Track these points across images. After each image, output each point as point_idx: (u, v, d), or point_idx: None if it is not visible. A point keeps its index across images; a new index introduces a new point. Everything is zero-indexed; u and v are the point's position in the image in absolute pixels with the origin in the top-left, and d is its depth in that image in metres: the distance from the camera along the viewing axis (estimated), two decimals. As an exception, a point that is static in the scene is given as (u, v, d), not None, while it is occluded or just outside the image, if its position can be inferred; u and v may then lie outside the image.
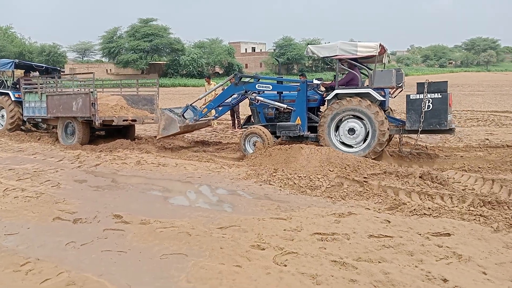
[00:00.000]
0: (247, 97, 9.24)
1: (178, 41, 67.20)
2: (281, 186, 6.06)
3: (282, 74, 11.03)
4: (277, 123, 8.76)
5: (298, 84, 8.77)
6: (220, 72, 69.32)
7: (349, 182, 6.03)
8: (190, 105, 9.65)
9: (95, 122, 9.41)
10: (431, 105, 7.50)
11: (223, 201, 5.59)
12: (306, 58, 74.15)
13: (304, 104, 8.58)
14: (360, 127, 7.93)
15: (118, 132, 10.61)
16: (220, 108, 9.55)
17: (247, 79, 9.41)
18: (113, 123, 9.56)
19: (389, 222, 4.50)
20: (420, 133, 7.73)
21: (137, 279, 3.36)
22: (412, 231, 4.25)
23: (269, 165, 7.14)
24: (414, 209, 4.88)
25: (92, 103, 9.32)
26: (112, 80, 21.93)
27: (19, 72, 13.51)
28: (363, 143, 7.92)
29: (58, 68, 14.38)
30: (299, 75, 12.53)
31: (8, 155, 8.78)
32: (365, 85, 8.35)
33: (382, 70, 8.11)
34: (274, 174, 6.45)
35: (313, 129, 8.57)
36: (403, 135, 8.29)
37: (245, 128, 8.97)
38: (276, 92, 9.06)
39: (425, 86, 7.53)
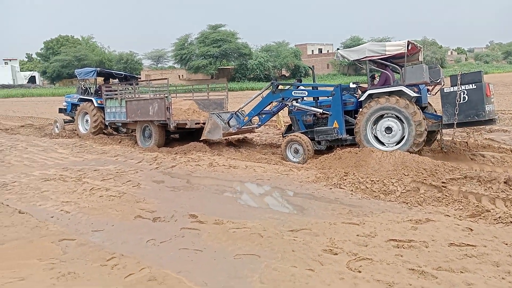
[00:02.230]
0: (286, 104, 9.37)
1: (246, 46, 68.43)
2: (352, 190, 5.94)
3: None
4: (315, 128, 8.79)
5: (332, 88, 8.73)
6: (286, 75, 69.45)
7: (426, 187, 5.75)
8: (235, 113, 10.01)
9: (170, 125, 9.88)
10: (466, 96, 7.35)
11: (293, 203, 5.60)
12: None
13: (339, 107, 8.52)
14: (397, 126, 7.80)
15: (191, 135, 11.03)
16: (263, 116, 9.79)
17: (285, 87, 9.41)
18: (186, 126, 9.97)
19: (471, 230, 4.23)
20: (457, 126, 7.54)
21: (212, 277, 3.48)
22: (497, 240, 3.96)
23: (338, 169, 7.03)
24: (499, 217, 4.55)
25: (167, 108, 9.80)
26: (184, 85, 22.89)
27: (100, 80, 14.59)
28: (399, 142, 7.78)
29: (136, 76, 15.29)
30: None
31: (93, 156, 9.50)
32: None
33: (412, 66, 7.99)
34: (344, 177, 6.34)
35: (351, 132, 8.47)
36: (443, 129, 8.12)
37: (286, 136, 9.06)
38: (312, 98, 9.17)
39: (458, 78, 7.39)
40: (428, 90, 8.70)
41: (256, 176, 7.08)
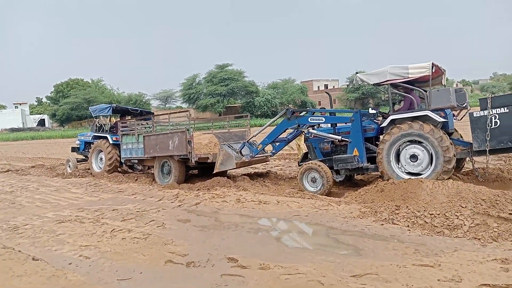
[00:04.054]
0: (302, 131, 8.94)
1: (252, 84, 69.06)
2: (408, 226, 5.23)
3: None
4: (334, 157, 8.30)
5: (352, 114, 8.28)
6: (294, 111, 69.50)
7: (495, 220, 5.03)
8: (247, 141, 9.60)
9: (191, 159, 9.31)
10: (498, 121, 6.85)
11: (343, 243, 4.89)
12: (382, 92, 71.94)
13: (360, 134, 8.06)
14: (423, 153, 7.29)
15: (211, 169, 10.41)
16: (277, 144, 9.36)
17: (300, 113, 9.05)
18: (208, 160, 9.40)
19: None
20: (489, 153, 7.00)
21: None
22: None
23: (382, 202, 6.32)
24: None
25: (189, 141, 9.27)
26: (199, 121, 22.42)
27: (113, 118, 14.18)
28: (426, 170, 7.23)
29: (151, 112, 14.91)
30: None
31: (109, 196, 8.88)
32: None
33: (438, 90, 7.53)
34: (396, 211, 5.63)
35: (373, 159, 7.96)
36: (473, 157, 7.51)
37: (302, 165, 8.55)
38: (330, 124, 8.77)
39: (489, 101, 6.89)
40: (453, 115, 8.21)
41: (291, 212, 6.39)
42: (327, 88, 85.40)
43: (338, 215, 6.03)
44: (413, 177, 7.13)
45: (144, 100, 75.75)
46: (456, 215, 5.17)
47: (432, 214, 5.30)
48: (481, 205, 5.68)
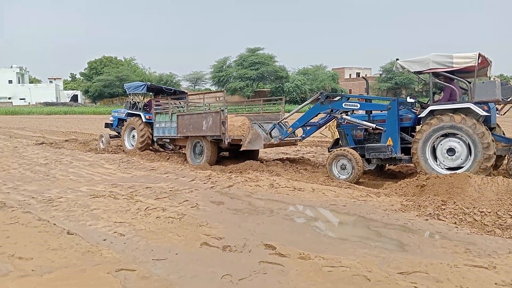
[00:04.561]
0: (335, 116, 8.67)
1: (283, 69, 68.44)
2: (455, 223, 4.92)
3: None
4: (366, 145, 8.03)
5: (389, 102, 7.90)
6: (324, 99, 68.54)
7: (553, 223, 4.66)
8: (278, 123, 9.40)
9: (224, 141, 9.20)
10: None
11: (386, 236, 4.64)
12: (416, 83, 70.11)
13: (395, 123, 7.75)
14: (462, 148, 6.99)
15: (242, 153, 10.28)
16: (308, 128, 9.11)
17: (334, 98, 8.70)
18: (241, 142, 9.26)
19: None
20: None
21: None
22: None
23: (426, 196, 6.00)
24: None
25: (223, 122, 9.14)
26: (230, 104, 22.37)
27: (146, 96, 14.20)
28: (463, 166, 6.93)
29: (185, 91, 14.84)
30: (408, 96, 11.43)
31: (142, 173, 8.87)
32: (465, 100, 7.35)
33: (483, 82, 7.17)
34: (442, 207, 5.32)
35: (407, 150, 7.65)
36: None
37: (332, 151, 8.32)
38: (364, 111, 8.50)
39: None
40: (496, 109, 7.77)
41: (328, 201, 6.17)
42: (359, 76, 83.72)
43: (378, 207, 5.77)
44: (446, 172, 6.86)
45: (174, 81, 76.42)
46: (509, 214, 4.83)
47: (483, 211, 4.98)
48: (535, 205, 5.30)
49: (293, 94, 65.57)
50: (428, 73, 7.40)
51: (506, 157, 7.30)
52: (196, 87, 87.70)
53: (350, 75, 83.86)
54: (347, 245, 4.33)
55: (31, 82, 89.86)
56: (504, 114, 7.92)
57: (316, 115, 8.99)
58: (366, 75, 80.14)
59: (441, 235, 4.57)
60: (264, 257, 4.01)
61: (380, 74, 73.18)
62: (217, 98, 11.57)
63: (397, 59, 7.75)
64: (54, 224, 5.09)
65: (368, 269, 3.62)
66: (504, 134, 7.84)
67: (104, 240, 4.62)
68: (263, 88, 71.38)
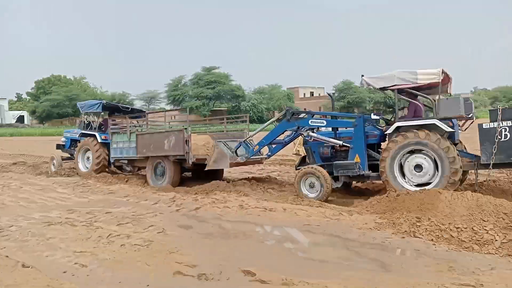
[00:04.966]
0: (301, 134, 8.65)
1: (239, 88, 68.71)
2: (432, 240, 4.89)
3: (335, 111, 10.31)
4: (334, 162, 8.03)
5: (355, 119, 8.00)
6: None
7: (525, 236, 4.73)
8: (244, 141, 9.26)
9: (188, 160, 8.86)
10: (508, 134, 6.65)
11: (366, 256, 4.51)
12: (367, 101, 72.87)
13: (362, 140, 7.82)
14: (428, 163, 7.06)
15: (206, 173, 9.95)
16: (274, 146, 9.03)
17: (300, 115, 8.72)
18: (206, 162, 8.96)
19: None
20: (493, 167, 6.88)
21: None
22: None
23: (400, 213, 5.96)
24: None
25: (186, 141, 8.83)
26: (192, 122, 21.96)
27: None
28: (431, 182, 7.04)
29: (143, 110, 14.33)
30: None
31: (99, 197, 8.32)
32: (429, 116, 7.58)
33: (447, 98, 7.42)
34: (417, 223, 5.28)
35: (374, 167, 7.71)
36: (478, 170, 7.31)
37: (299, 169, 8.27)
38: (331, 128, 8.54)
39: (499, 113, 6.70)
40: (458, 125, 8.00)
41: (301, 221, 5.99)
42: (312, 95, 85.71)
43: (352, 225, 5.66)
44: (414, 188, 6.95)
45: (127, 100, 74.38)
46: (485, 229, 4.86)
47: (459, 227, 4.98)
48: (503, 219, 5.36)
49: (250, 113, 65.87)
50: (393, 89, 7.51)
51: (475, 173, 7.46)
52: (151, 106, 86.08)
53: (304, 94, 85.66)
54: (329, 267, 4.15)
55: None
56: (465, 130, 8.15)
57: (283, 133, 8.90)
58: (316, 96, 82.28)
59: (420, 253, 4.50)
60: (244, 285, 3.75)
61: (333, 93, 75.28)
62: (173, 117, 11.23)
63: (362, 75, 7.82)
64: (6, 257, 4.56)
65: (357, 293, 3.44)
66: (465, 149, 8.07)
67: (64, 272, 4.18)
68: (219, 107, 71.26)
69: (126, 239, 5.18)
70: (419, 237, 4.99)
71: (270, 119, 9.25)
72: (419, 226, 5.23)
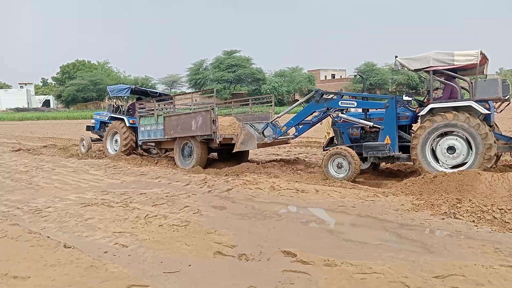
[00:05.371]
0: (329, 115, 8.60)
1: (260, 71, 68.32)
2: (474, 221, 4.76)
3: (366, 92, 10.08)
4: (364, 143, 7.92)
5: (387, 100, 7.83)
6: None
7: None
8: (271, 122, 9.17)
9: (215, 140, 8.87)
10: None
11: (407, 238, 4.42)
12: (390, 83, 71.47)
13: (393, 121, 7.68)
14: (462, 146, 6.94)
15: (232, 155, 9.95)
16: (300, 127, 8.96)
17: (329, 96, 8.58)
18: (232, 141, 8.99)
19: None
20: None
21: None
22: None
23: (438, 194, 5.82)
24: None
25: (213, 120, 8.83)
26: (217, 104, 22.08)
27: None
28: (462, 165, 6.88)
29: (171, 95, 14.39)
30: (405, 94, 11.44)
31: (132, 178, 8.43)
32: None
33: (485, 80, 7.20)
34: (458, 205, 5.15)
35: (405, 149, 7.61)
36: None
37: (328, 150, 8.21)
38: (361, 109, 8.46)
39: None
40: (494, 106, 7.74)
41: (335, 202, 5.93)
42: (334, 77, 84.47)
43: (388, 207, 5.56)
44: (445, 170, 6.79)
45: (150, 84, 75.11)
46: (532, 211, 4.70)
47: (502, 209, 4.83)
48: (548, 201, 5.21)
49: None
50: (428, 71, 7.29)
51: (511, 155, 7.25)
52: (172, 90, 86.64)
53: (325, 76, 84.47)
54: (369, 249, 4.08)
55: (0, 87, 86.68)
56: (500, 112, 7.90)
57: (311, 114, 8.79)
58: (338, 78, 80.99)
59: (462, 234, 4.39)
60: (286, 266, 3.73)
61: (355, 76, 73.97)
62: (194, 100, 11.23)
63: (396, 56, 7.61)
64: (48, 237, 4.65)
65: (402, 274, 3.38)
66: (500, 132, 7.82)
67: (106, 252, 4.24)
68: (240, 91, 71.12)
69: (164, 220, 5.23)
70: (460, 218, 4.87)
71: (291, 101, 9.15)
72: (460, 207, 5.10)
